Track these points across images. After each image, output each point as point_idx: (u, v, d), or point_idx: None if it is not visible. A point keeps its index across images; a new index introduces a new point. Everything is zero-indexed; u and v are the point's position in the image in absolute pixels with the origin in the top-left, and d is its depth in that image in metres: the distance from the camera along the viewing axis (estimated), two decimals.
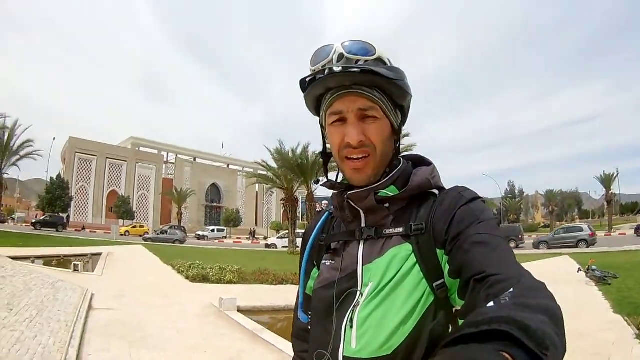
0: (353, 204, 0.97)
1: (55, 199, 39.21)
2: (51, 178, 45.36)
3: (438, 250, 0.86)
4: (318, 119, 1.02)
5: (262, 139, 79.72)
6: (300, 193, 34.43)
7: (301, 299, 1.11)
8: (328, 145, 1.04)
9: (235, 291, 10.13)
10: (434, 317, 0.84)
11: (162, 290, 10.37)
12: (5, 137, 27.26)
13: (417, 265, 0.87)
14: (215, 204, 76.63)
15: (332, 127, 0.95)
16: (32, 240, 23.78)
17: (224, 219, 63.62)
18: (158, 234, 39.55)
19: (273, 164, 30.19)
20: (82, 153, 62.06)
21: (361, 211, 0.98)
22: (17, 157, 29.26)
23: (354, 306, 0.90)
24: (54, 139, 50.76)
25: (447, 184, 0.99)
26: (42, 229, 35.74)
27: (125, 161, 67.61)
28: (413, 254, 0.88)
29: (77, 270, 12.37)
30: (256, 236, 57.43)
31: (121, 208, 55.97)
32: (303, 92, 0.97)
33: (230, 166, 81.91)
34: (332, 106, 0.93)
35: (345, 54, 0.88)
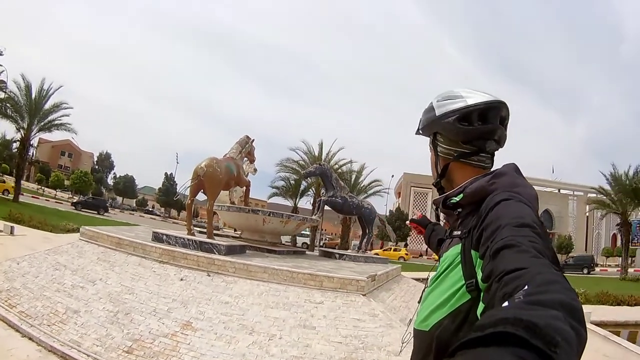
0: (439, 210, 1.28)
1: (396, 228, 41.71)
2: (390, 211, 53.43)
3: (473, 252, 0.97)
4: None
5: (589, 158, 78.33)
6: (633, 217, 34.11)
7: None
8: None
9: (585, 308, 11.88)
10: (467, 315, 0.95)
11: None
12: (353, 178, 31.06)
13: (460, 264, 1.02)
14: (547, 231, 75.10)
15: None
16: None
17: (556, 246, 61.85)
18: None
19: (607, 187, 31.11)
20: (417, 187, 65.92)
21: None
22: (365, 194, 31.77)
23: (426, 287, 1.18)
24: (392, 176, 52.63)
25: None
26: (82, 209, 35.31)
27: None
28: (460, 254, 1.04)
29: None
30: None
31: None
32: None
33: (561, 190, 79.16)
34: None
35: None
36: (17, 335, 6.03)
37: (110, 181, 79.64)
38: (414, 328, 1.13)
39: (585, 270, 36.90)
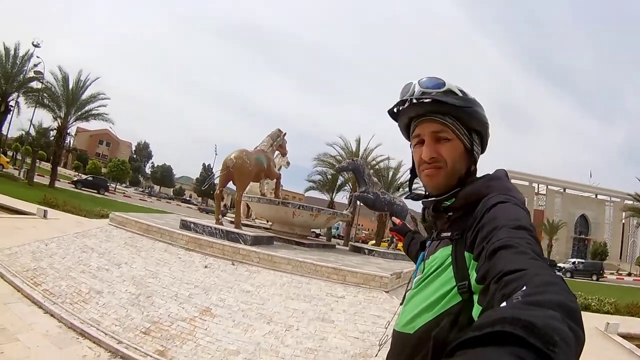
0: (428, 211, 1.27)
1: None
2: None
3: (466, 253, 0.98)
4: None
5: (626, 163, 76.43)
6: None
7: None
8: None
9: (613, 319, 11.63)
10: (457, 317, 0.94)
11: None
12: (390, 175, 31.57)
13: (451, 265, 1.02)
14: (583, 236, 74.08)
15: (415, 149, 1.24)
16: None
17: (591, 252, 61.81)
18: None
19: None
20: None
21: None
22: (402, 191, 31.58)
23: (408, 289, 1.21)
24: None
25: None
26: (82, 188, 36.45)
27: None
28: (451, 255, 1.04)
29: None
30: (619, 272, 54.56)
31: None
32: (395, 121, 1.29)
33: (598, 196, 78.47)
34: (414, 131, 1.22)
35: (422, 89, 1.14)
36: (39, 311, 6.10)
37: (148, 170, 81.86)
38: (394, 330, 1.14)
39: (594, 277, 36.62)
